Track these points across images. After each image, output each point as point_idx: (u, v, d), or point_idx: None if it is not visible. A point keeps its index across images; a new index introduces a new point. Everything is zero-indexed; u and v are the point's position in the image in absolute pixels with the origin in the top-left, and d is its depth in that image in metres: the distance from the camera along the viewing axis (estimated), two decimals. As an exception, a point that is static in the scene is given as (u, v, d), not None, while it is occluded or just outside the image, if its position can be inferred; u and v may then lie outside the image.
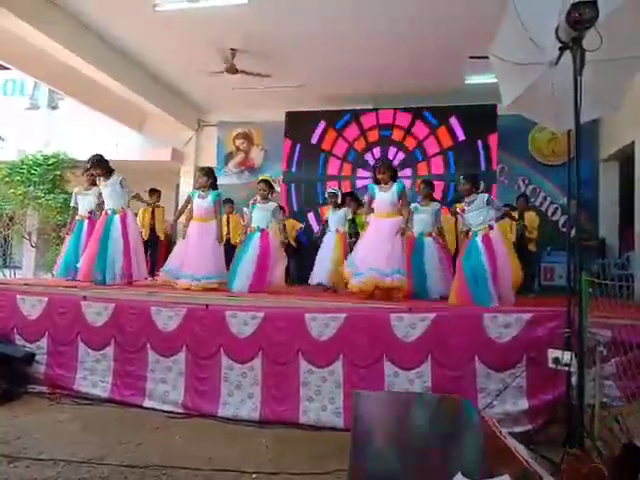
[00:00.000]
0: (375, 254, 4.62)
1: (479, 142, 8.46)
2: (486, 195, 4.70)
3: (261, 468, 2.84)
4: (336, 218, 6.37)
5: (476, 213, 4.60)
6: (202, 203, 5.28)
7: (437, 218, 5.64)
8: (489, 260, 4.37)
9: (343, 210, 6.41)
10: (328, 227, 6.45)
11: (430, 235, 5.50)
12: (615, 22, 2.60)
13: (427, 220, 5.53)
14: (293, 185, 9.17)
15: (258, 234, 5.34)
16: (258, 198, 5.54)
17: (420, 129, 8.78)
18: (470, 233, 4.65)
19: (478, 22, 5.35)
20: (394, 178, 4.89)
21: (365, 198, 5.17)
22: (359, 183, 8.73)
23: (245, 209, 6.23)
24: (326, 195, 6.81)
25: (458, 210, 4.86)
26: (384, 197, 4.82)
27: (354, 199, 6.83)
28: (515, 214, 6.23)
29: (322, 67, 7.85)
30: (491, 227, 4.55)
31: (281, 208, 6.25)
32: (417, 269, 5.27)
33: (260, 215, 5.43)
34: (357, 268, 4.67)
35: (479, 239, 4.51)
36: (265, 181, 5.59)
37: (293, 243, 7.74)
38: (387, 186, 4.84)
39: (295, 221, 8.34)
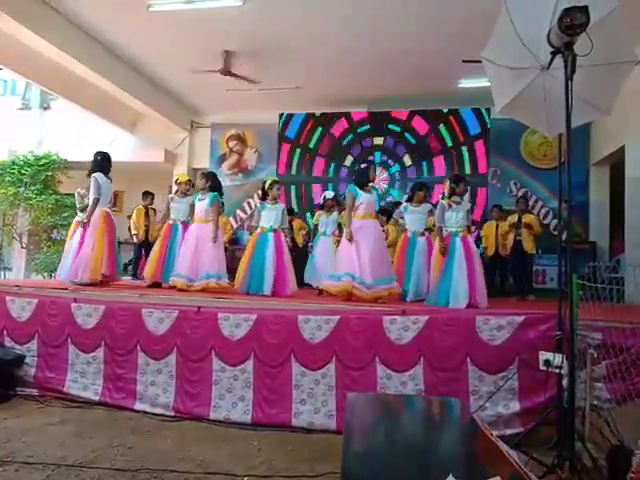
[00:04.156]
0: (377, 261, 4.64)
1: (471, 145, 8.51)
2: (469, 204, 4.89)
3: (253, 471, 2.82)
4: (331, 221, 6.46)
5: (454, 215, 4.69)
6: (201, 205, 5.46)
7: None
8: (467, 261, 4.46)
9: (335, 213, 6.52)
10: (321, 231, 6.50)
11: (422, 235, 5.53)
12: (606, 27, 2.63)
13: (420, 220, 5.57)
14: (286, 187, 9.14)
15: (271, 234, 5.34)
16: (268, 199, 5.51)
17: (413, 132, 8.82)
18: (448, 233, 4.70)
19: (472, 26, 5.39)
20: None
21: (347, 200, 4.98)
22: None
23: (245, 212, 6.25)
24: (321, 200, 6.85)
25: (445, 203, 4.86)
26: (370, 198, 4.84)
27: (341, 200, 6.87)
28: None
29: (316, 70, 7.87)
30: (469, 230, 4.64)
31: (289, 210, 6.40)
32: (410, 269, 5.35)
33: (271, 215, 5.41)
34: (358, 272, 4.57)
35: (459, 239, 4.60)
36: (279, 182, 5.76)
37: (300, 244, 7.47)
38: (369, 187, 4.89)
39: (301, 221, 8.18)
